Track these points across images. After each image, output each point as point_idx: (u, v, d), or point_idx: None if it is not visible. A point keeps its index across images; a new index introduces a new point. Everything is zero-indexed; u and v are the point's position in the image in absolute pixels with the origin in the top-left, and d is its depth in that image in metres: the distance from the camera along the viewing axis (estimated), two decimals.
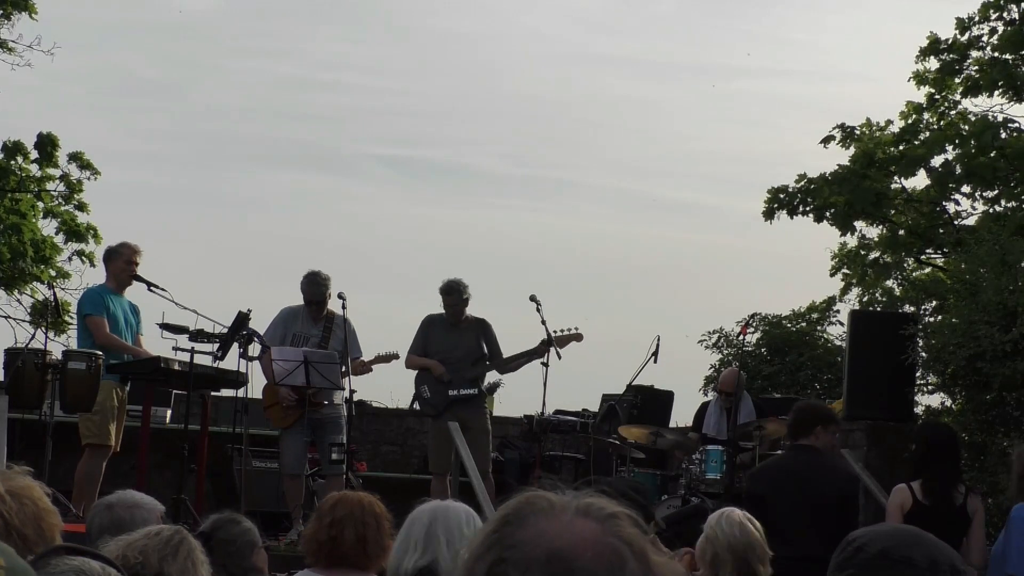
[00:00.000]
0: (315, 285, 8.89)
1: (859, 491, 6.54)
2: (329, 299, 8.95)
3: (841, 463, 6.86)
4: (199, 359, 8.17)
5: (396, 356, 9.15)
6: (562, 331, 9.16)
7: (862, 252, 16.51)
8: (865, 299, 16.33)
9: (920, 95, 15.58)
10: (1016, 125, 14.57)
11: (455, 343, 9.19)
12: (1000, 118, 14.57)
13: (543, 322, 9.10)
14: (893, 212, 15.98)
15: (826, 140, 15.82)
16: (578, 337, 9.19)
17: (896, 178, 15.74)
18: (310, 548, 3.93)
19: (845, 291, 16.66)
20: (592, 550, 1.30)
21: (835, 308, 16.29)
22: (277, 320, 8.99)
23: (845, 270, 16.75)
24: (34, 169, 18.84)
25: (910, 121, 15.55)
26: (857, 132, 15.76)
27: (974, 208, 15.46)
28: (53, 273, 18.42)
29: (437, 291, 9.24)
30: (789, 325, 14.88)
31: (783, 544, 6.26)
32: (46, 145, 18.50)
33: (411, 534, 3.68)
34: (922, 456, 6.50)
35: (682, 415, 12.16)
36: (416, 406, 9.57)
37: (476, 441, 8.84)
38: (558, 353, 9.10)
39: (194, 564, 2.86)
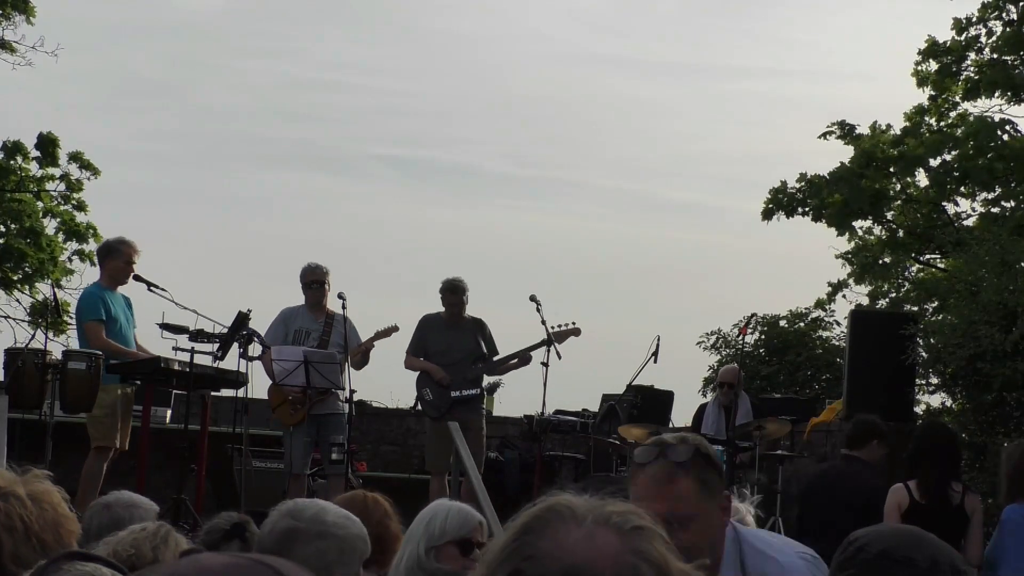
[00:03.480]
0: (315, 267, 8.98)
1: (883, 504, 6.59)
2: (329, 288, 8.97)
3: (876, 476, 6.92)
4: (199, 359, 8.16)
5: (396, 329, 9.09)
6: (560, 327, 9.16)
7: (865, 254, 16.51)
8: (871, 290, 16.34)
9: (923, 95, 15.60)
10: (1014, 126, 14.57)
11: (454, 343, 9.20)
12: (997, 119, 14.57)
13: (543, 322, 9.10)
14: (892, 212, 15.98)
15: (825, 135, 15.81)
16: (576, 332, 9.19)
17: (895, 179, 15.74)
18: None
19: (859, 279, 16.56)
20: (611, 568, 1.27)
21: (841, 294, 16.30)
22: (277, 320, 8.99)
23: (853, 260, 16.68)
24: (34, 169, 18.85)
25: (914, 123, 15.55)
26: (856, 131, 15.75)
27: (973, 209, 15.48)
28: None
29: (437, 291, 9.25)
30: (787, 325, 14.88)
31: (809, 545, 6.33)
32: (46, 145, 18.51)
33: (412, 533, 3.68)
34: (917, 455, 6.52)
35: (682, 415, 12.17)
36: (418, 407, 9.58)
37: (472, 441, 8.88)
38: (558, 353, 9.09)
39: None
